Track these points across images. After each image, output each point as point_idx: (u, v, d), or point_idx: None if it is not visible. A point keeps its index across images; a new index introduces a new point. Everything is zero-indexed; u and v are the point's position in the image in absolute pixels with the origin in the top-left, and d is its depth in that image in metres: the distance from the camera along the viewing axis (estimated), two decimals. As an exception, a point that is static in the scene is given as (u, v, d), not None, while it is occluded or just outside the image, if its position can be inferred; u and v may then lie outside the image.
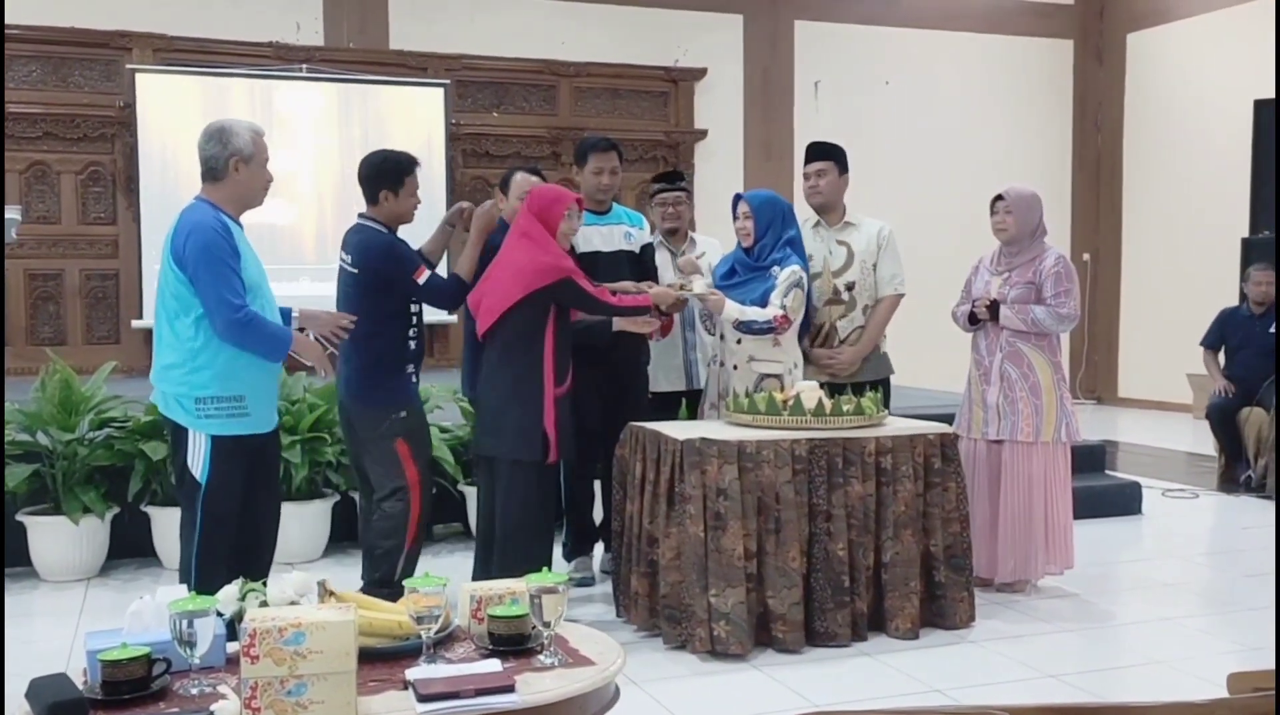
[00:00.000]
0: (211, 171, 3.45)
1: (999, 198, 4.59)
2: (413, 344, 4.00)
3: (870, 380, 4.67)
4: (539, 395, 3.81)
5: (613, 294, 4.04)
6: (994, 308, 4.53)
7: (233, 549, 3.44)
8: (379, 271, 3.92)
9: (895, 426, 4.13)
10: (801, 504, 3.86)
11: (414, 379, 4.04)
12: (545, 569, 2.69)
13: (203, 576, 3.29)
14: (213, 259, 3.30)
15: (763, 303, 4.23)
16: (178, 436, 3.44)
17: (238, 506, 3.46)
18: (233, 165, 3.43)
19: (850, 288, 4.67)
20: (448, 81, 9.04)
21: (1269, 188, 8.64)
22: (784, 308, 4.19)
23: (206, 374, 3.36)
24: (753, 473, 3.81)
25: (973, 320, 4.64)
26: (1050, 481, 4.55)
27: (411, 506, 3.96)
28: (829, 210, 4.75)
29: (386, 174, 4.03)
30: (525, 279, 3.78)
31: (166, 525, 5.04)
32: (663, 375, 4.74)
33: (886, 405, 4.53)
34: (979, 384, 4.64)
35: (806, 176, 4.76)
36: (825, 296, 4.68)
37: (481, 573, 3.91)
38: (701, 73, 10.01)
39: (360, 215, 4.08)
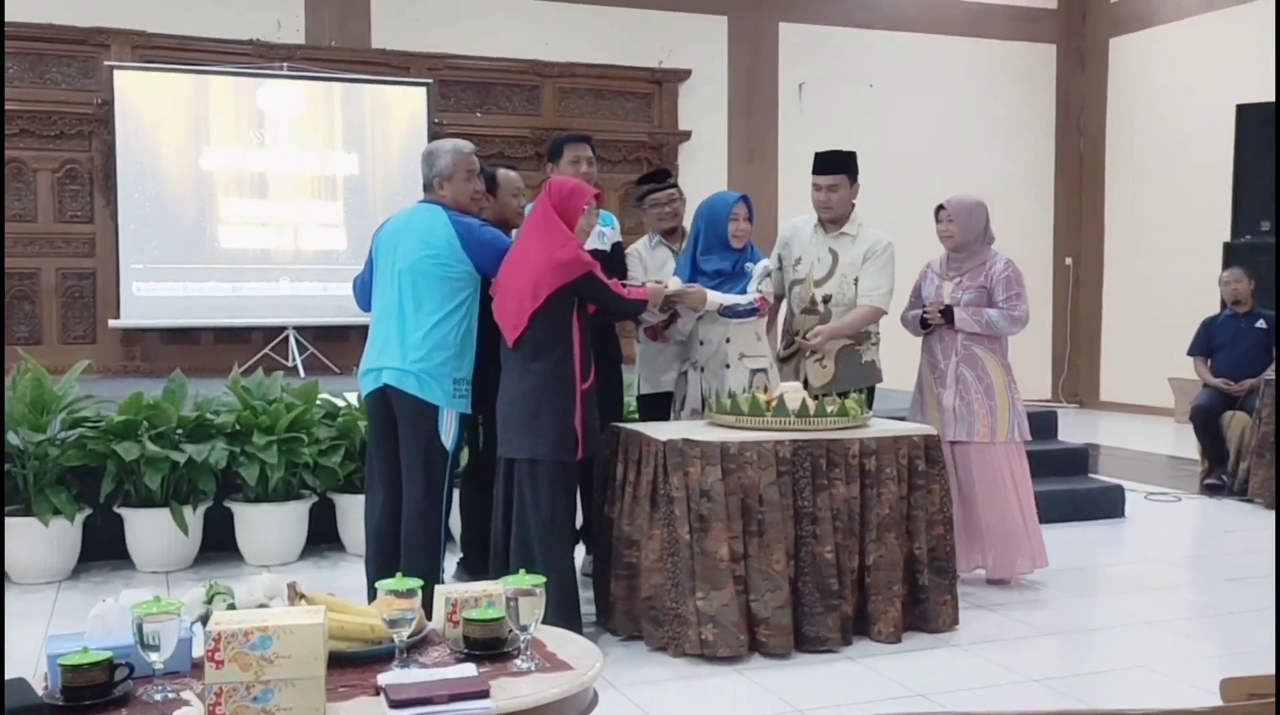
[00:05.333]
0: (427, 187, 4.01)
1: (941, 208, 4.71)
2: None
3: (849, 389, 4.56)
4: (570, 393, 3.74)
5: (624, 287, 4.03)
6: (947, 312, 4.63)
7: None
8: None
9: (879, 428, 4.10)
10: (786, 506, 3.82)
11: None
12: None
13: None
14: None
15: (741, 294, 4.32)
16: (427, 414, 3.83)
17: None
18: (438, 184, 3.98)
19: (827, 301, 4.59)
20: (430, 81, 8.98)
21: (1251, 192, 8.68)
22: (760, 291, 4.32)
23: (464, 359, 3.90)
24: (736, 474, 3.77)
25: (924, 325, 4.73)
26: (1016, 479, 4.68)
27: None
28: (835, 219, 4.64)
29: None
30: (549, 277, 3.69)
31: (140, 527, 4.97)
32: (664, 377, 4.68)
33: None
34: (933, 387, 4.73)
35: (817, 188, 4.59)
36: (803, 304, 4.63)
37: (504, 575, 3.82)
38: (685, 74, 9.99)
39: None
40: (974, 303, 4.63)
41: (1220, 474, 6.92)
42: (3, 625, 3.04)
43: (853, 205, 4.65)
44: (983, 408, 4.60)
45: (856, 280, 4.57)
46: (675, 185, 4.76)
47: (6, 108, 8.09)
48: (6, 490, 4.82)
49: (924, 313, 4.70)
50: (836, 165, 4.60)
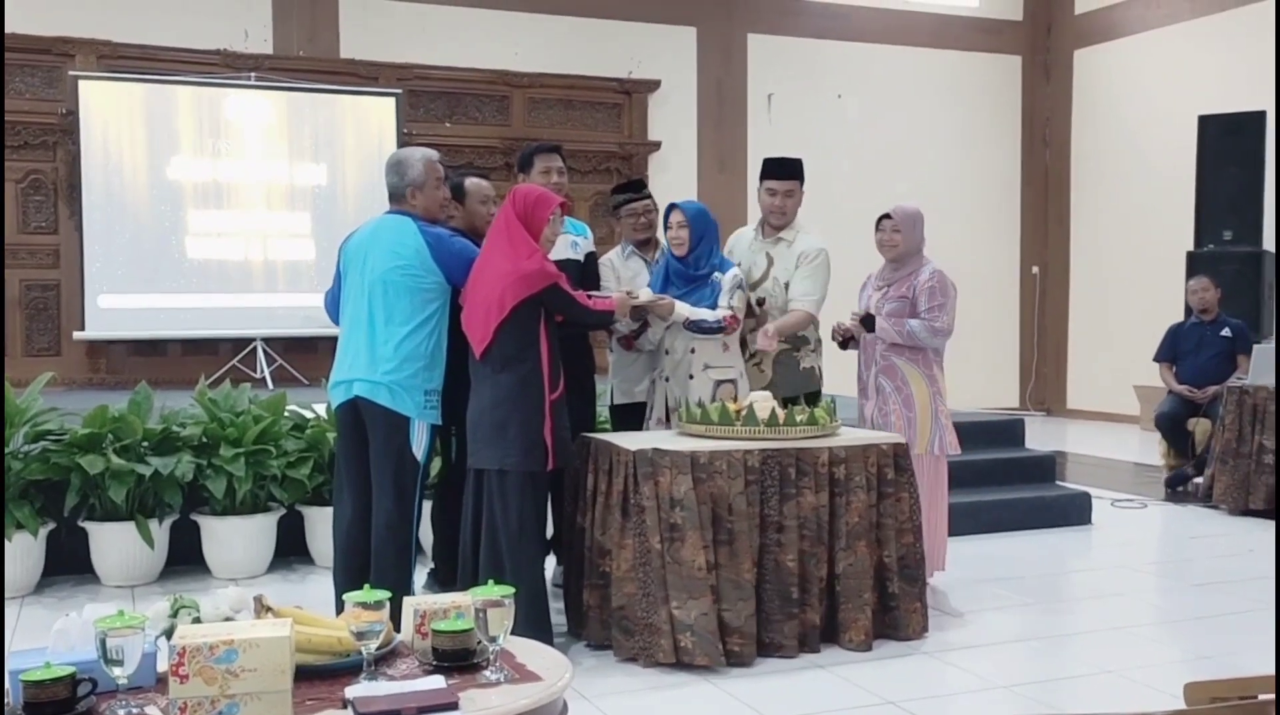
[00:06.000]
0: (396, 197, 3.97)
1: (886, 216, 4.67)
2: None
3: (787, 395, 4.55)
4: (539, 404, 3.73)
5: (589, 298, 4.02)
6: (869, 321, 4.60)
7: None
8: None
9: (848, 437, 4.11)
10: (754, 515, 3.82)
11: None
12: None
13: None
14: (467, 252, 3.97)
15: (711, 308, 4.29)
16: (398, 425, 3.80)
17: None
18: (410, 193, 3.94)
19: (761, 303, 4.60)
20: (399, 91, 8.96)
21: (1213, 201, 8.82)
22: (731, 308, 4.29)
23: (434, 371, 3.88)
24: (706, 484, 3.77)
25: (843, 344, 4.71)
26: (929, 492, 4.54)
27: None
28: (781, 225, 4.67)
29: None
30: (514, 289, 3.67)
31: (104, 541, 4.91)
32: (638, 387, 4.67)
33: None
34: (860, 398, 4.75)
35: (772, 193, 4.61)
36: (742, 308, 4.64)
37: (472, 585, 3.81)
38: (655, 84, 10.01)
39: None
40: (896, 313, 4.58)
41: (1187, 467, 7.04)
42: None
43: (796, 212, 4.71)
44: (900, 419, 4.56)
45: (788, 284, 4.57)
46: (650, 196, 4.77)
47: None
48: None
49: (835, 325, 4.67)
50: (791, 171, 4.65)
